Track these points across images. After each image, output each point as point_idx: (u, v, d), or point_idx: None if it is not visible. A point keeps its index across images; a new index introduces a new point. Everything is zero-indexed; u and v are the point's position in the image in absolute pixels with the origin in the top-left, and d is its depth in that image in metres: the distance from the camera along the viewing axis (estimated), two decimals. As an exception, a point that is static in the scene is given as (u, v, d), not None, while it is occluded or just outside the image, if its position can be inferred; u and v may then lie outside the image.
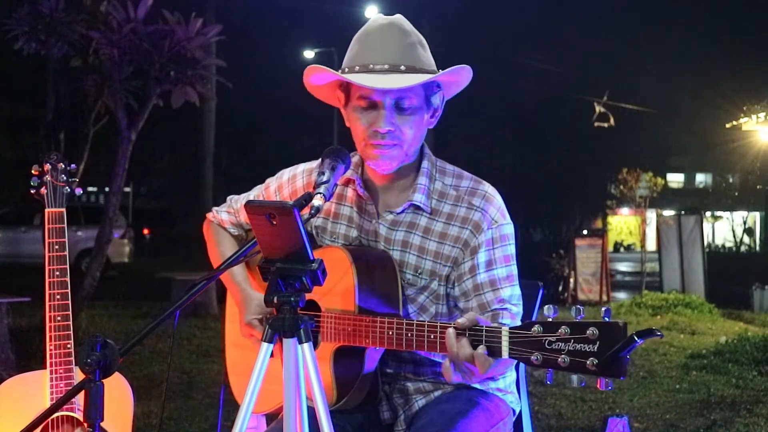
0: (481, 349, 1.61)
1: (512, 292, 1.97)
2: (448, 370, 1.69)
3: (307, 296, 1.90)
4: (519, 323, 1.90)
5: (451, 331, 1.66)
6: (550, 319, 1.53)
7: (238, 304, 2.10)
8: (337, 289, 1.90)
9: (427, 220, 2.00)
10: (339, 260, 1.91)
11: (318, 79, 1.98)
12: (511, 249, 2.00)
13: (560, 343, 1.49)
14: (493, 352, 1.60)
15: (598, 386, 1.47)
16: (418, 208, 2.00)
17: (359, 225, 2.06)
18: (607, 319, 1.47)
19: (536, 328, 1.53)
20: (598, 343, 1.45)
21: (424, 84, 1.91)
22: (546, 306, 1.55)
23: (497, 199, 2.02)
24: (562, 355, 1.49)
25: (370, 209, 2.05)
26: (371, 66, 1.88)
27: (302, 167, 2.20)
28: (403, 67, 1.88)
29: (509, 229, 2.01)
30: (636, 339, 1.40)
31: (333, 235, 2.09)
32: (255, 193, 2.25)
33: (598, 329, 1.45)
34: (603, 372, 1.45)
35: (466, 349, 1.63)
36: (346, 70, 1.93)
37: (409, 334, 1.75)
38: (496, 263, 1.97)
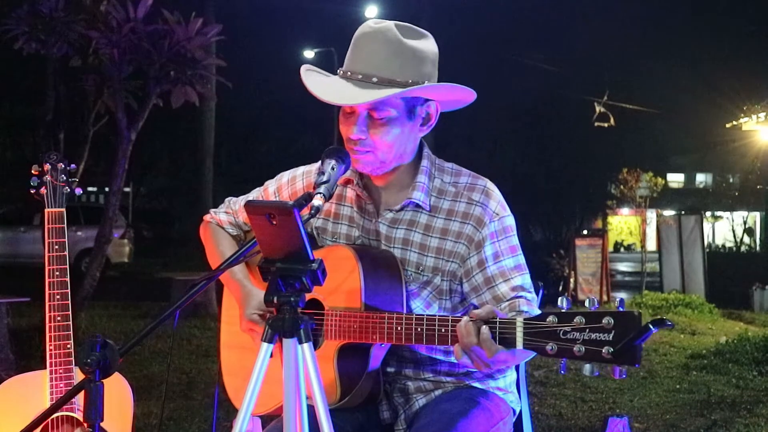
0: (485, 328, 1.61)
1: (524, 280, 1.97)
2: (458, 351, 1.69)
3: (311, 294, 1.90)
4: (537, 309, 1.91)
5: (464, 320, 1.66)
6: (565, 310, 1.54)
7: (238, 300, 2.10)
8: (343, 287, 1.90)
9: (428, 217, 2.00)
10: (345, 258, 1.92)
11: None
12: (516, 240, 2.01)
13: (575, 333, 1.51)
14: (508, 342, 1.61)
15: (612, 375, 1.49)
16: (417, 206, 2.00)
17: (360, 224, 2.07)
18: (621, 308, 1.49)
19: (551, 318, 1.54)
20: (613, 332, 1.47)
21: (405, 96, 1.89)
22: (560, 298, 1.57)
23: (496, 192, 2.02)
24: (578, 345, 1.50)
25: (370, 208, 2.06)
26: (349, 73, 1.90)
27: (301, 169, 2.20)
28: (375, 79, 1.86)
29: (511, 220, 2.02)
30: (651, 327, 1.42)
31: (334, 236, 2.10)
32: (254, 195, 2.25)
33: (613, 318, 1.47)
34: (618, 360, 1.46)
35: (471, 337, 1.64)
36: (336, 72, 1.95)
37: (419, 329, 1.76)
38: (503, 255, 1.97)
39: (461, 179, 2.04)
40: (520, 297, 1.92)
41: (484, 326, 1.62)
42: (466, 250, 1.97)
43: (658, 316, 1.49)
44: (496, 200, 2.01)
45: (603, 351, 1.47)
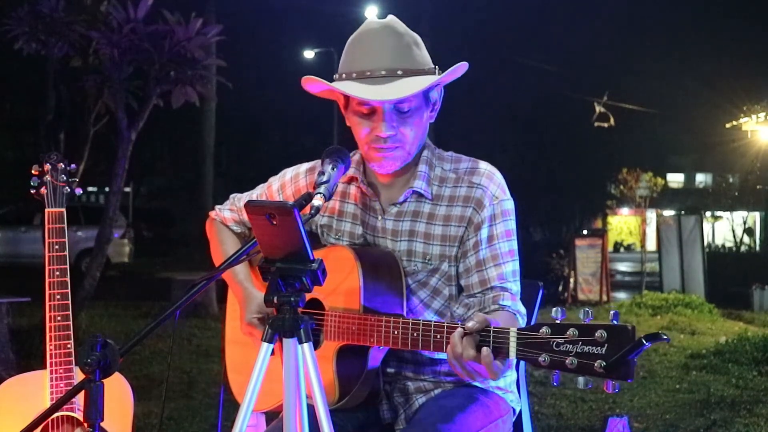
0: (486, 351, 1.61)
1: (513, 267, 1.99)
2: (453, 362, 1.69)
3: (312, 295, 1.90)
4: (519, 303, 1.94)
5: (457, 332, 1.66)
6: (558, 321, 1.53)
7: (239, 302, 2.10)
8: (342, 288, 1.90)
9: (431, 206, 2.02)
10: (344, 259, 1.92)
11: (315, 88, 1.98)
12: (512, 224, 2.02)
13: (568, 345, 1.50)
14: (501, 352, 1.61)
15: (605, 389, 1.47)
16: (420, 195, 2.02)
17: (364, 221, 2.07)
18: (615, 322, 1.47)
19: (544, 329, 1.54)
20: (606, 345, 1.46)
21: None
22: (554, 308, 1.54)
23: (497, 175, 2.04)
24: (570, 357, 1.49)
25: (374, 205, 2.06)
26: (368, 73, 1.89)
27: (305, 167, 2.20)
28: (400, 71, 1.88)
29: (510, 204, 2.03)
30: (644, 342, 1.41)
31: (338, 233, 2.10)
32: (258, 192, 2.25)
33: (606, 332, 1.46)
34: (610, 374, 1.45)
35: (469, 351, 1.63)
36: (343, 76, 1.92)
37: (415, 334, 1.77)
38: (498, 238, 1.99)
39: (461, 165, 2.05)
40: (505, 290, 1.94)
41: (485, 348, 1.61)
42: (466, 233, 1.99)
43: (654, 331, 1.46)
44: (497, 183, 2.02)
45: (595, 365, 1.46)
